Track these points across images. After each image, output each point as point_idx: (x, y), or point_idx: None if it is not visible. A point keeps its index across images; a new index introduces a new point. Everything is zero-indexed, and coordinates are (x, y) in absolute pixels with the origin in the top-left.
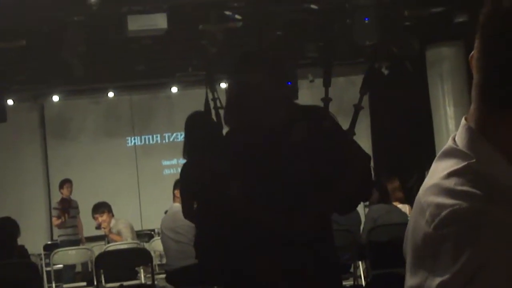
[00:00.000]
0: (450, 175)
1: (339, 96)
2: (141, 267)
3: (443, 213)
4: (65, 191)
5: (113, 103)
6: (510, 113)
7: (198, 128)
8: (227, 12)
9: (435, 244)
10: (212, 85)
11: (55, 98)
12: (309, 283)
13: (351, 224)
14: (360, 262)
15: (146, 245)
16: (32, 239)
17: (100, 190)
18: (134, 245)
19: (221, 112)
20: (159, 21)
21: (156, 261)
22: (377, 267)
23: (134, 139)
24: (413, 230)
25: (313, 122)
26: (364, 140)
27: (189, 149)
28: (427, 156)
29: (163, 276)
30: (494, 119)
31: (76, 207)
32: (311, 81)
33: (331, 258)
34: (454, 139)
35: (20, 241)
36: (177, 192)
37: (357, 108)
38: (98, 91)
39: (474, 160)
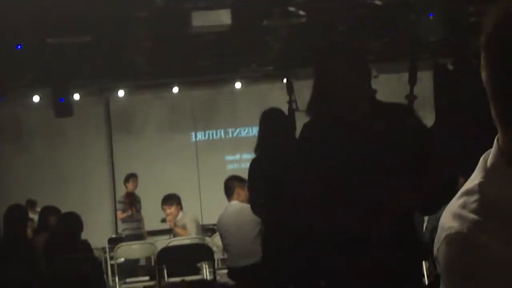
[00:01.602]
0: (461, 194)
1: (405, 92)
2: (203, 262)
3: (442, 236)
4: (130, 185)
5: (177, 98)
6: None
7: (272, 125)
8: (291, 8)
9: (437, 265)
10: (289, 88)
11: (121, 92)
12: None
13: None
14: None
15: (209, 240)
16: (97, 233)
17: (163, 185)
18: (197, 240)
19: (296, 113)
20: (223, 17)
21: (218, 256)
22: None
23: (198, 134)
24: None
25: (398, 119)
26: None
27: (262, 144)
28: None
29: (225, 271)
30: (510, 139)
31: (140, 202)
32: (376, 76)
33: (414, 261)
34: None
35: (84, 235)
36: (239, 190)
37: (410, 99)
38: (163, 86)
39: (484, 180)
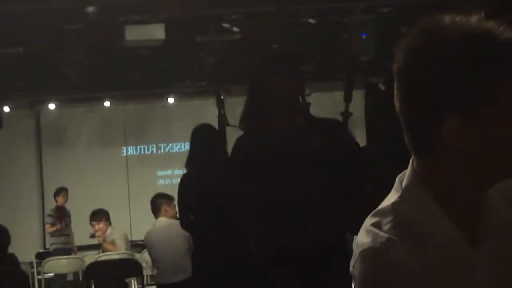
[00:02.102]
0: (375, 214)
1: (336, 111)
2: (132, 278)
3: (357, 253)
4: (60, 199)
5: (109, 112)
6: (431, 158)
7: (203, 140)
8: (225, 25)
9: (353, 281)
10: (220, 103)
11: (51, 105)
12: None
13: None
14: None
15: (138, 256)
16: (25, 247)
17: (93, 199)
18: (126, 256)
19: (227, 128)
20: (157, 32)
21: (147, 272)
22: None
23: (129, 148)
24: None
25: (332, 133)
26: None
27: (192, 160)
28: None
29: (154, 287)
30: (423, 164)
31: (69, 216)
32: (308, 95)
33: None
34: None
35: (12, 249)
36: (165, 207)
37: (345, 116)
38: (94, 100)
39: (398, 200)
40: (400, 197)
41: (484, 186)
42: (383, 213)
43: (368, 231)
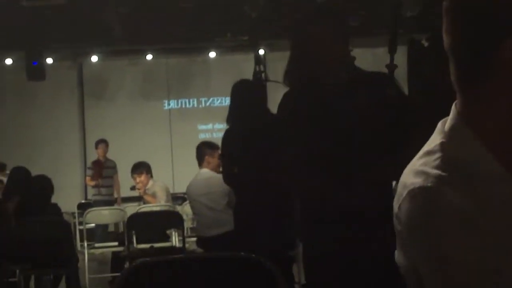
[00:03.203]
0: (422, 155)
1: (379, 66)
2: (173, 230)
3: (404, 193)
4: (100, 151)
5: (151, 66)
6: (479, 93)
7: (242, 96)
8: None
9: (396, 224)
10: (258, 58)
11: (94, 58)
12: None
13: None
14: None
15: (179, 208)
16: (67, 198)
17: (134, 152)
18: (167, 208)
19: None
20: None
21: (188, 225)
22: None
23: (171, 102)
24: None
25: (380, 86)
26: None
27: (233, 115)
28: None
29: (194, 239)
30: (468, 101)
31: (113, 167)
32: (350, 50)
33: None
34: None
35: (54, 199)
36: (208, 158)
37: (391, 68)
38: (137, 52)
39: (445, 141)
40: (444, 137)
41: None
42: (429, 153)
43: (417, 172)
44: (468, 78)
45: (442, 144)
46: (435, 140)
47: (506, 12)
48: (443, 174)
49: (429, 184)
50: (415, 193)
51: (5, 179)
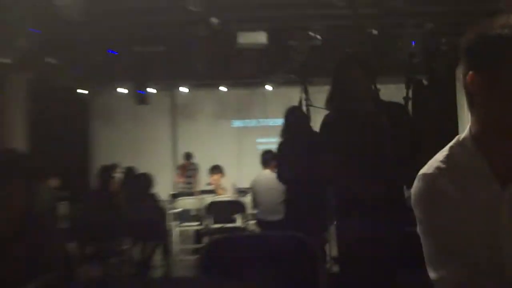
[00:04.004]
0: (441, 151)
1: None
2: (237, 214)
3: (415, 178)
4: (185, 161)
5: (223, 95)
6: (472, 113)
7: (293, 116)
8: (310, 33)
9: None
10: (303, 90)
11: (183, 89)
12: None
13: None
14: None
15: (242, 199)
16: (162, 190)
17: (211, 157)
18: (233, 198)
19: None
20: (261, 38)
21: (249, 211)
22: None
23: (237, 122)
24: None
25: (397, 113)
26: None
27: (285, 130)
28: None
29: (253, 222)
30: (471, 120)
31: (194, 169)
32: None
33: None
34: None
35: (154, 191)
36: (272, 161)
37: (406, 100)
38: (213, 85)
39: (454, 145)
40: (454, 142)
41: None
42: (441, 152)
43: (428, 163)
44: (468, 104)
45: (451, 147)
46: (448, 145)
47: (465, 51)
48: (443, 166)
49: (429, 172)
50: (419, 178)
51: (118, 176)
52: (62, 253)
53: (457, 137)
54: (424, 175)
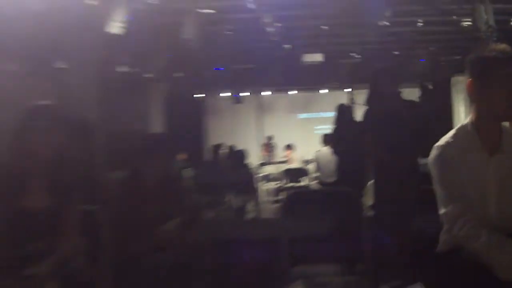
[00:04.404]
0: (450, 131)
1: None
2: (303, 177)
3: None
4: (266, 143)
5: (293, 96)
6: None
7: (342, 111)
8: (353, 54)
9: None
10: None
11: (266, 92)
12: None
13: None
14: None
15: (308, 166)
16: (252, 160)
17: (286, 138)
18: (300, 166)
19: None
20: (317, 57)
21: (312, 175)
22: None
23: (304, 115)
24: None
25: (413, 108)
26: None
27: (336, 120)
28: None
29: (315, 182)
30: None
31: (273, 146)
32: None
33: None
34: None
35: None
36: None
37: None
38: (286, 90)
39: (460, 126)
40: (459, 126)
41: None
42: (450, 132)
43: (441, 139)
44: (469, 100)
45: (457, 128)
46: (456, 127)
47: (467, 65)
48: (450, 140)
49: (441, 144)
50: (435, 148)
51: (223, 151)
52: (190, 201)
53: (461, 122)
54: (438, 146)
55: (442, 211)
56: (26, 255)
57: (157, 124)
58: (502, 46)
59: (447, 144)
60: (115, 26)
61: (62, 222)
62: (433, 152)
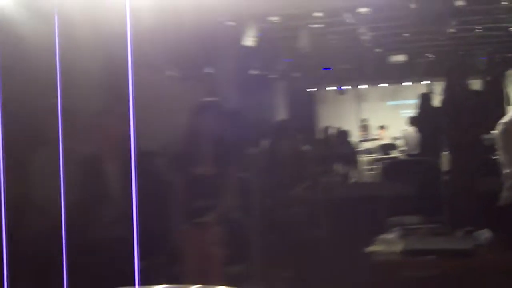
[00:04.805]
0: None
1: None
2: (394, 150)
3: None
4: (364, 124)
5: (387, 89)
6: None
7: (423, 99)
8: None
9: None
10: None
11: (363, 86)
12: None
13: None
14: None
15: (396, 142)
16: (353, 138)
17: (378, 120)
18: (391, 142)
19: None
20: (400, 58)
21: (400, 149)
22: None
23: (392, 102)
24: None
25: (479, 96)
26: None
27: (420, 106)
28: None
29: (403, 154)
30: None
31: (368, 127)
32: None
33: None
34: None
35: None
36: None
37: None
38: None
39: None
40: None
41: None
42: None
43: (505, 116)
44: None
45: None
46: None
47: None
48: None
49: (505, 121)
50: (499, 124)
51: (332, 132)
52: (311, 170)
53: None
54: (502, 123)
55: (505, 171)
56: (198, 208)
57: (281, 113)
58: None
59: (510, 120)
60: (249, 40)
61: (223, 185)
62: (499, 127)
